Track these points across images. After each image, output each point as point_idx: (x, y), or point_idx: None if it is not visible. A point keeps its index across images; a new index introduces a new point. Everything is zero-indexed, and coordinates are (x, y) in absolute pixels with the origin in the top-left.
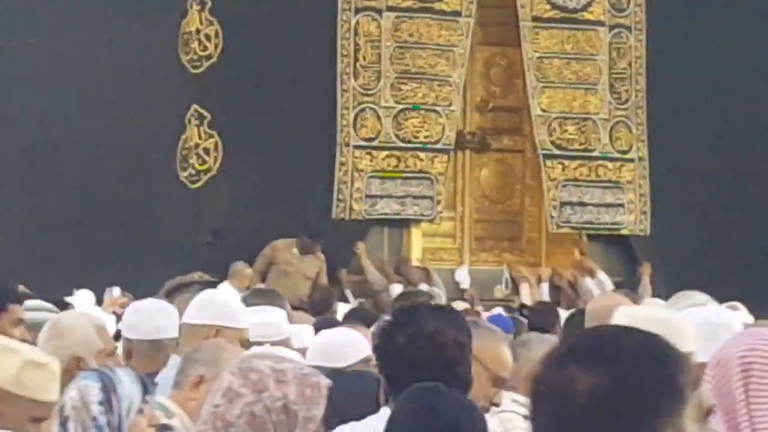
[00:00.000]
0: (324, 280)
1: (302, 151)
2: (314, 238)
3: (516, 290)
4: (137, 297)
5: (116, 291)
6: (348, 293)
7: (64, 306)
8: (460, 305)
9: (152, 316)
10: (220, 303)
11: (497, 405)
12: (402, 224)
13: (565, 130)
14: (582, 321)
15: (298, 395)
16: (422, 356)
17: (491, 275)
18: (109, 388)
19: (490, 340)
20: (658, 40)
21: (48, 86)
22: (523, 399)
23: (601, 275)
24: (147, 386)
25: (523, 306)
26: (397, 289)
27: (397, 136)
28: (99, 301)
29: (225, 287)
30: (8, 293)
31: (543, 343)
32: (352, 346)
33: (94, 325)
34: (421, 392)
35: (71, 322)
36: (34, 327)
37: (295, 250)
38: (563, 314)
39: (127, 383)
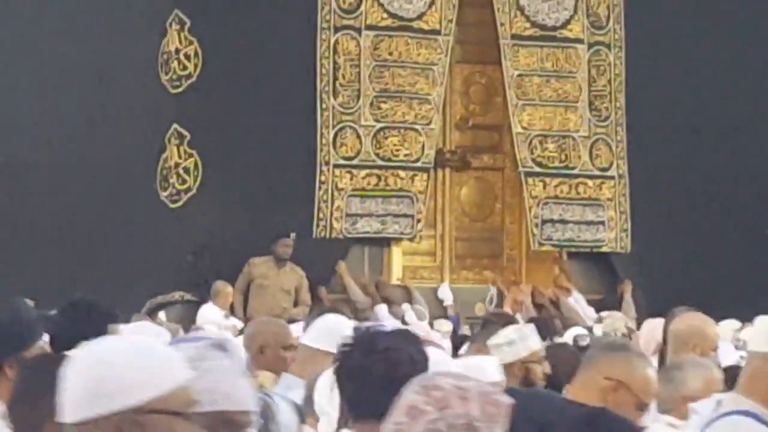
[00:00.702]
0: (306, 295)
1: (282, 170)
2: (280, 237)
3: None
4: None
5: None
6: None
7: None
8: (443, 324)
9: None
10: (338, 329)
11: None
12: (382, 243)
13: (546, 148)
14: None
15: (480, 413)
16: (379, 373)
17: (472, 293)
18: (267, 415)
19: (639, 366)
20: (637, 58)
21: (27, 104)
22: (679, 422)
23: (575, 294)
24: (303, 415)
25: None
26: (381, 309)
27: (377, 154)
28: None
29: (209, 307)
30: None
31: (697, 367)
32: None
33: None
34: None
35: None
36: None
37: (271, 264)
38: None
39: (285, 411)
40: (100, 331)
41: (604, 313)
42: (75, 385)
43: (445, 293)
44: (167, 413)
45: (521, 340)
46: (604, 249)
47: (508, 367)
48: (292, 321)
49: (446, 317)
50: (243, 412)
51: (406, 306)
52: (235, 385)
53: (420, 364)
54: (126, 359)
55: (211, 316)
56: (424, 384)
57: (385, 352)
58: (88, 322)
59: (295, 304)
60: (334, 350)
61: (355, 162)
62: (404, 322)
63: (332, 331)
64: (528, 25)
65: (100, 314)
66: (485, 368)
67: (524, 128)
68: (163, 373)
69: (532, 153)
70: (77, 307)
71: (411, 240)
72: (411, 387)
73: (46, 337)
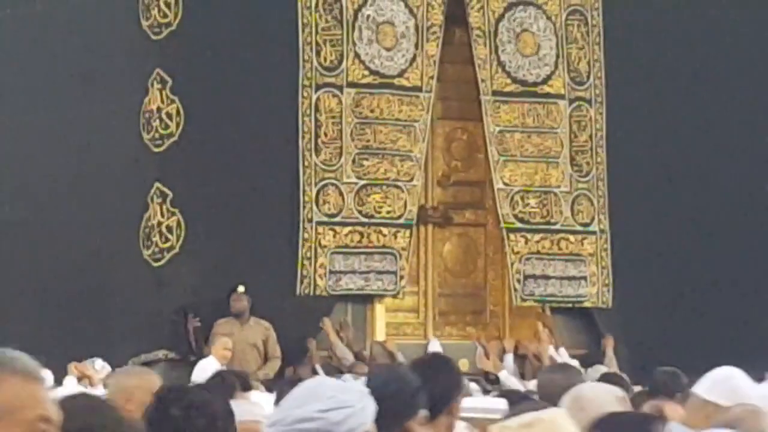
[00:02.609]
0: (275, 347)
1: (265, 227)
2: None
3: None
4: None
5: (98, 363)
6: (318, 368)
7: None
8: None
9: None
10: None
11: None
12: (366, 300)
13: (527, 203)
14: None
15: None
16: (196, 426)
17: (456, 349)
18: None
19: (751, 419)
20: (617, 113)
21: (9, 165)
22: None
23: (560, 349)
24: None
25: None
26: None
27: (359, 211)
28: (58, 380)
29: (209, 361)
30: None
31: None
32: None
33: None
34: None
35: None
36: None
37: (234, 321)
38: (529, 385)
39: None
40: None
41: (589, 369)
42: None
43: (435, 349)
44: None
45: None
46: (586, 304)
47: None
48: (266, 378)
49: None
50: None
51: None
52: None
53: (233, 416)
54: None
55: (210, 369)
56: None
57: (202, 407)
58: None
59: (265, 359)
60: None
61: (337, 219)
62: None
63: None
64: (509, 81)
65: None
66: None
67: (506, 184)
68: None
69: (513, 209)
70: None
71: (394, 296)
72: None
73: None
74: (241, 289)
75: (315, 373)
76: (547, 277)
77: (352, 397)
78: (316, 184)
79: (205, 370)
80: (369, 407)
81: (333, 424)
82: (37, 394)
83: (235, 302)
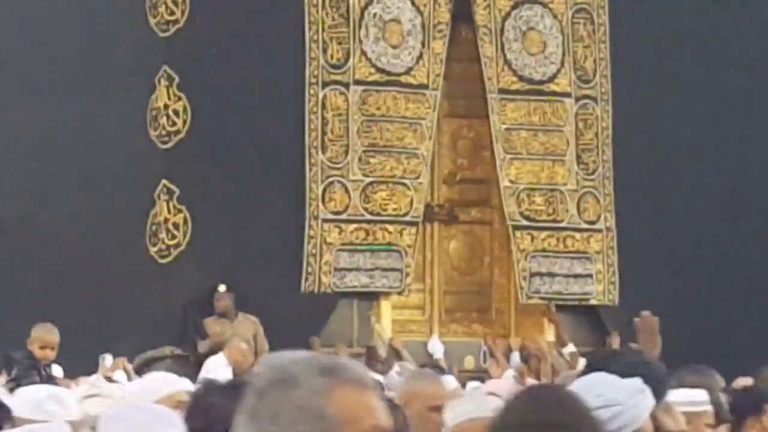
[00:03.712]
0: (263, 342)
1: (271, 224)
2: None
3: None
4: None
5: (108, 359)
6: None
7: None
8: None
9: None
10: None
11: None
12: (371, 297)
13: (534, 201)
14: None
15: None
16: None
17: (461, 346)
18: None
19: None
20: (623, 111)
21: (16, 161)
22: None
23: (569, 346)
24: None
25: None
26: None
27: (365, 209)
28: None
29: (219, 358)
30: None
31: None
32: None
33: None
34: None
35: None
36: None
37: (222, 320)
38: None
39: None
40: None
41: None
42: None
43: (435, 347)
44: None
45: None
46: (592, 302)
47: None
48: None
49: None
50: None
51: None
52: None
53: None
54: None
55: (221, 368)
56: None
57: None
58: None
59: (255, 354)
60: None
61: (343, 216)
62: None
63: None
64: (515, 79)
65: None
66: None
67: (512, 182)
68: None
69: (519, 206)
70: None
71: (400, 294)
72: None
73: None
74: (222, 288)
75: None
76: (553, 275)
77: (622, 395)
78: (322, 182)
79: (216, 366)
80: (642, 404)
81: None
82: (370, 402)
83: (219, 302)
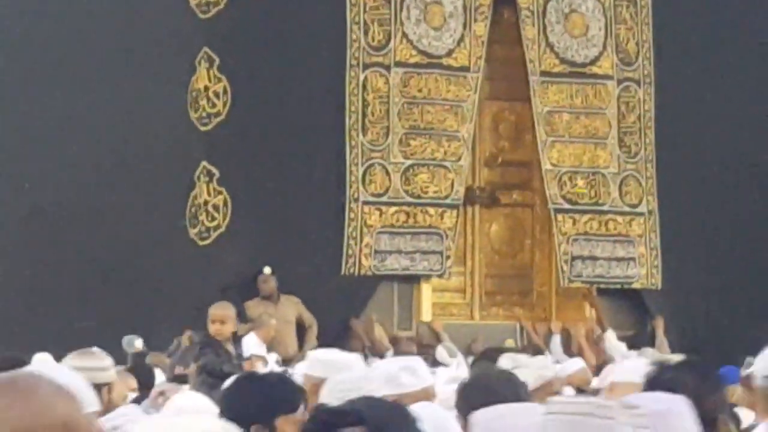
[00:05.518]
0: (311, 318)
1: (311, 207)
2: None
3: (529, 344)
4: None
5: (139, 342)
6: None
7: None
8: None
9: None
10: None
11: None
12: (412, 280)
13: (575, 184)
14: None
15: None
16: None
17: (502, 329)
18: None
19: None
20: (666, 94)
21: (57, 145)
22: None
23: (609, 332)
24: None
25: None
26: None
27: (406, 191)
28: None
29: (251, 338)
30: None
31: None
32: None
33: None
34: None
35: None
36: None
37: (267, 302)
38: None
39: None
40: None
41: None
42: None
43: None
44: None
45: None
46: (635, 285)
47: None
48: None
49: None
50: None
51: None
52: None
53: None
54: None
55: (253, 347)
56: None
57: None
58: None
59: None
60: None
61: (384, 199)
62: (436, 362)
63: None
64: (557, 61)
65: None
66: None
67: (553, 165)
68: None
69: (561, 189)
70: None
71: (440, 277)
72: None
73: None
74: (267, 270)
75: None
76: (595, 258)
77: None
78: (362, 164)
79: (248, 346)
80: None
81: None
82: None
83: (264, 284)
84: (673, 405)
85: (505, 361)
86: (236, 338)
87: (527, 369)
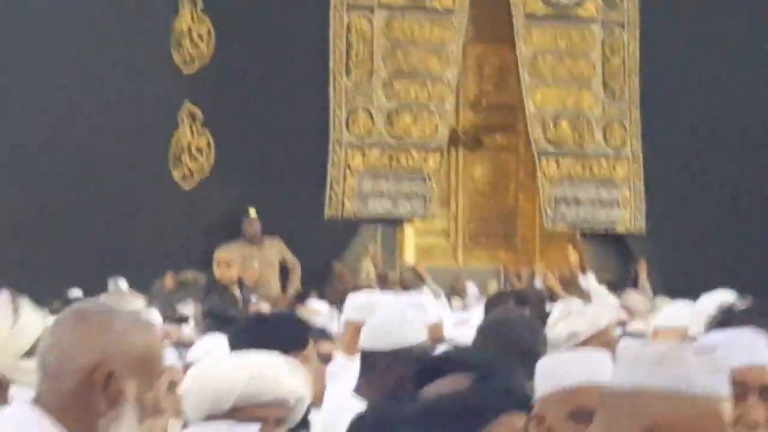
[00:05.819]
0: (294, 260)
1: (294, 149)
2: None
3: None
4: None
5: (123, 283)
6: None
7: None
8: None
9: None
10: None
11: None
12: (395, 223)
13: (559, 127)
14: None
15: None
16: None
17: (485, 273)
18: None
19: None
20: (651, 37)
21: (38, 86)
22: None
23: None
24: None
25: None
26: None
27: (389, 134)
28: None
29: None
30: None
31: None
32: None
33: None
34: None
35: None
36: None
37: (249, 245)
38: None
39: None
40: None
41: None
42: None
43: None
44: None
45: None
46: (619, 229)
47: None
48: (298, 293)
49: None
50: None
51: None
52: None
53: None
54: None
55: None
56: None
57: None
58: None
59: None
60: None
61: (367, 142)
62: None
63: None
64: (542, 4)
65: None
66: None
67: (537, 108)
68: None
69: (545, 133)
70: None
71: (423, 219)
72: None
73: None
74: (253, 212)
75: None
76: (578, 202)
77: None
78: (345, 107)
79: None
80: None
81: None
82: None
83: (249, 227)
84: (750, 335)
85: (559, 308)
86: (241, 282)
87: (581, 317)
